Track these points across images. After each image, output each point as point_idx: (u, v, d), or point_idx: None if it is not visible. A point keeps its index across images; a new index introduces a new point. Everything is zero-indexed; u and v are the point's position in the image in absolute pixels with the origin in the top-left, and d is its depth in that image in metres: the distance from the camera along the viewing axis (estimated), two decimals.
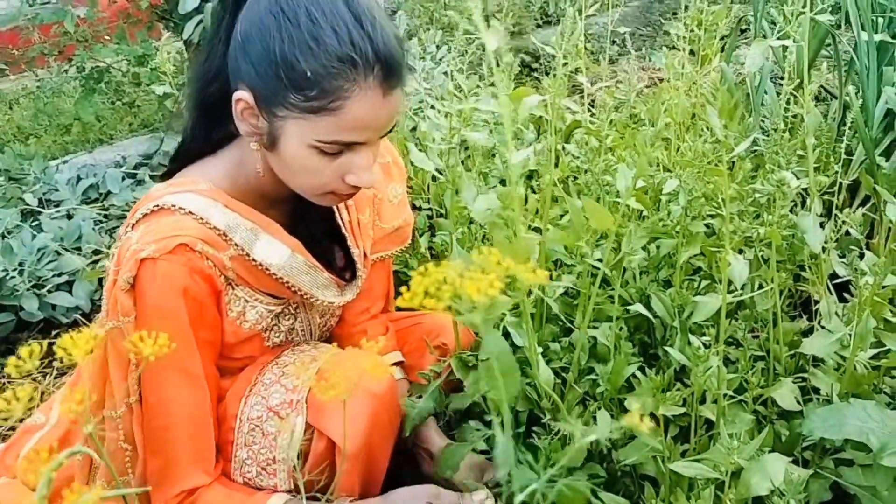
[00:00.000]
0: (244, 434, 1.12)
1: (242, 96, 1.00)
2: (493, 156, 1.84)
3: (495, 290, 0.43)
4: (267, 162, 1.07)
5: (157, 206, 1.04)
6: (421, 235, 1.77)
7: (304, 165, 1.01)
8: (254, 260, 1.07)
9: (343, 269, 1.26)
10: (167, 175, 1.14)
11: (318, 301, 1.18)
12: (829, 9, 1.31)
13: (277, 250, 1.10)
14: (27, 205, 2.26)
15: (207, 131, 1.13)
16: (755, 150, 1.45)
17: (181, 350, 1.03)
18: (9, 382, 1.87)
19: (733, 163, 1.06)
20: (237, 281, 1.09)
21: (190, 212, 1.03)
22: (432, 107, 2.08)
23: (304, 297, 1.16)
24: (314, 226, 1.22)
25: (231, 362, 1.16)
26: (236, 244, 1.06)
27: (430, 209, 1.84)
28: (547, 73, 3.14)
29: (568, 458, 0.60)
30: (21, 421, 1.71)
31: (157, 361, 1.00)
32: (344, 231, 1.25)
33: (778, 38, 1.28)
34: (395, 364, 1.37)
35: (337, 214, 1.24)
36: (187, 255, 1.01)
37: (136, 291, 1.00)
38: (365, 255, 1.28)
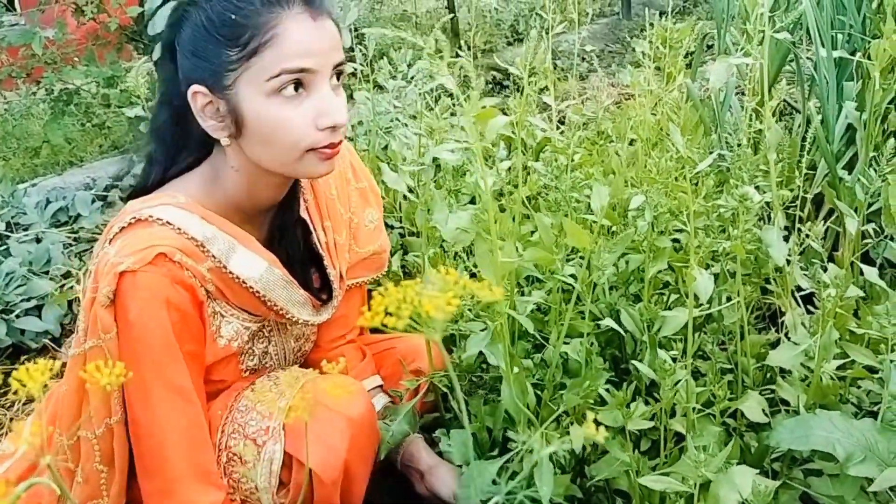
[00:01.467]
0: (223, 464, 1.11)
1: (195, 89, 1.03)
2: (464, 175, 1.85)
3: (452, 307, 0.44)
4: (242, 157, 1.08)
5: (135, 218, 1.03)
6: (393, 255, 1.77)
7: (273, 121, 1.02)
8: (231, 272, 1.07)
9: (319, 289, 1.26)
10: (132, 198, 1.13)
11: (294, 318, 1.17)
12: (790, 26, 1.34)
13: (254, 263, 1.10)
14: None
15: (171, 158, 1.14)
16: (720, 166, 1.48)
17: (168, 364, 1.01)
18: None
19: (698, 179, 1.07)
20: (215, 294, 1.08)
21: (167, 222, 1.03)
22: (405, 125, 2.09)
23: (280, 312, 1.15)
24: (291, 244, 1.22)
25: (208, 386, 1.14)
26: (214, 256, 1.05)
27: (401, 228, 1.85)
28: (518, 90, 3.17)
29: (527, 471, 0.60)
30: None
31: (144, 378, 0.99)
32: (321, 251, 1.25)
33: (741, 56, 1.31)
34: (376, 387, 1.37)
35: (314, 235, 1.24)
36: (167, 266, 1.00)
37: (116, 306, 0.99)
38: (341, 276, 1.28)
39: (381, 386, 1.37)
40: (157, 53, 1.19)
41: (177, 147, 1.13)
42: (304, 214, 1.24)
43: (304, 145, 1.03)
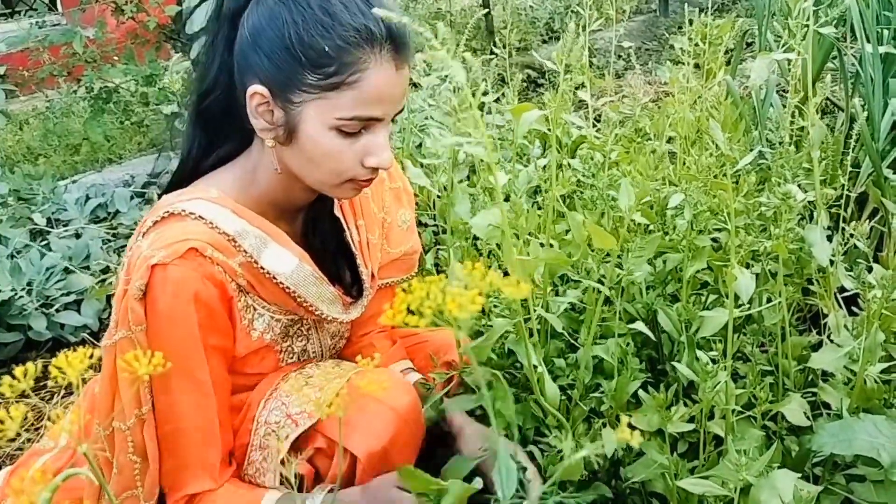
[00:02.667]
0: (260, 437, 1.12)
1: (257, 90, 1.02)
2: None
3: (477, 306, 0.43)
4: (282, 160, 1.08)
5: (168, 212, 1.04)
6: (427, 252, 1.76)
7: (325, 151, 1.03)
8: (262, 268, 1.07)
9: (350, 287, 1.26)
10: (168, 191, 1.14)
11: (323, 314, 1.17)
12: (834, 21, 1.31)
13: (285, 259, 1.10)
14: (35, 224, 2.27)
15: (209, 146, 1.14)
16: (761, 164, 1.45)
17: (190, 357, 1.03)
18: (15, 403, 1.87)
19: (739, 176, 1.05)
20: (247, 288, 1.09)
21: (200, 216, 1.04)
22: (437, 122, 2.08)
23: (310, 308, 1.15)
24: (323, 240, 1.23)
25: (244, 378, 1.15)
26: (245, 251, 1.06)
27: (435, 225, 1.84)
28: (554, 88, 3.14)
29: (560, 473, 0.59)
30: (29, 442, 1.72)
31: (167, 369, 1.00)
32: (354, 249, 1.25)
33: (783, 52, 1.28)
34: (407, 369, 1.36)
35: (346, 233, 1.24)
36: (198, 260, 1.01)
37: (147, 298, 1.00)
38: (373, 275, 1.28)
39: (411, 367, 1.37)
40: (195, 51, 1.18)
41: (218, 135, 1.13)
42: (337, 212, 1.24)
43: (347, 177, 1.06)
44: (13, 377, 0.51)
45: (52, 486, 0.43)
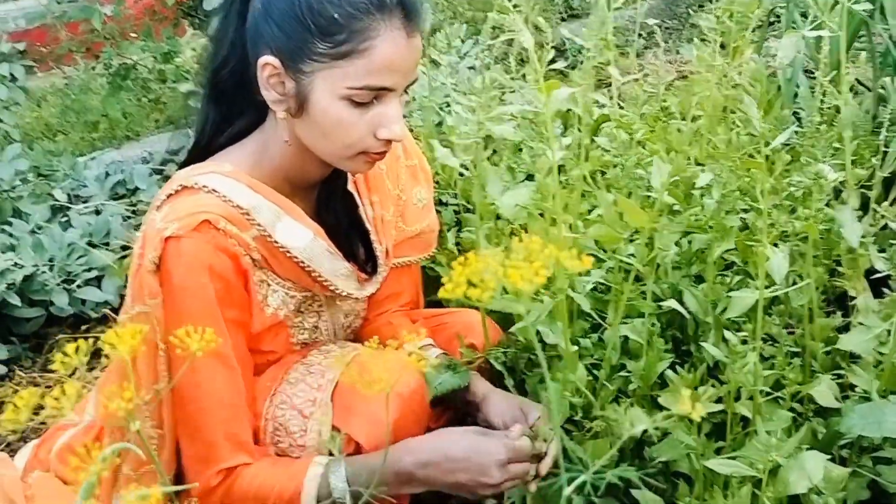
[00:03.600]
0: (269, 433, 1.12)
1: (268, 60, 1.02)
2: (520, 150, 1.83)
3: (541, 278, 0.43)
4: (294, 133, 1.07)
5: (181, 185, 1.04)
6: (448, 230, 1.76)
7: (337, 121, 1.02)
8: (276, 242, 1.07)
9: (364, 263, 1.26)
10: (184, 166, 1.14)
11: (338, 290, 1.17)
12: None
13: (299, 233, 1.10)
14: (56, 200, 2.28)
15: (223, 122, 1.13)
16: (788, 143, 1.43)
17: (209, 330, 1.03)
18: (40, 377, 1.89)
19: (771, 155, 1.04)
20: (261, 263, 1.08)
21: (213, 190, 1.04)
22: (458, 102, 2.07)
23: (324, 283, 1.15)
24: (337, 215, 1.22)
25: (258, 356, 1.15)
26: (259, 224, 1.06)
27: (457, 205, 1.83)
28: (573, 68, 3.11)
29: (614, 450, 0.59)
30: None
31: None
32: (367, 225, 1.24)
33: (812, 29, 1.26)
34: (427, 345, 1.35)
35: (360, 208, 1.24)
36: (211, 233, 1.01)
37: (161, 271, 1.00)
38: (387, 252, 1.27)
39: (431, 343, 1.36)
40: (213, 28, 1.16)
41: (232, 110, 1.13)
42: (350, 188, 1.23)
43: (359, 148, 1.05)
44: (64, 354, 0.50)
45: (103, 458, 0.43)
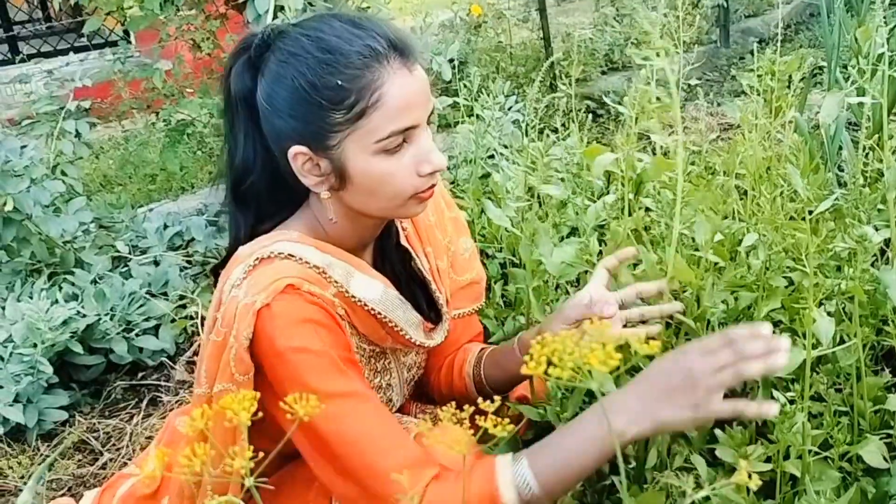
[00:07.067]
0: None
1: (297, 150, 1.05)
2: (565, 206, 1.87)
3: (615, 361, 0.46)
4: (342, 206, 1.11)
5: (258, 258, 1.05)
6: (494, 283, 1.80)
7: (379, 176, 1.05)
8: (353, 296, 1.09)
9: (427, 312, 1.28)
10: (220, 268, 1.14)
11: (411, 339, 1.18)
12: None
13: (372, 286, 1.12)
14: (118, 251, 2.37)
15: (257, 221, 1.15)
16: (834, 204, 1.45)
17: (331, 374, 1.01)
18: (98, 423, 1.95)
19: (816, 219, 1.06)
20: (344, 317, 1.10)
21: (289, 255, 1.06)
22: (504, 157, 2.12)
23: (399, 333, 1.16)
24: (395, 270, 1.26)
25: None
26: (336, 281, 1.08)
27: (503, 258, 1.88)
28: (615, 122, 3.17)
29: None
30: (112, 461, 1.79)
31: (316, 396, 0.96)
32: (426, 275, 1.28)
33: (853, 92, 1.29)
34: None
35: (416, 261, 1.27)
36: (297, 293, 1.02)
37: (260, 342, 1.00)
38: (447, 300, 1.30)
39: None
40: (225, 116, 1.17)
41: (269, 207, 1.15)
42: (403, 242, 1.27)
43: (408, 193, 1.08)
44: (192, 418, 0.55)
45: None
